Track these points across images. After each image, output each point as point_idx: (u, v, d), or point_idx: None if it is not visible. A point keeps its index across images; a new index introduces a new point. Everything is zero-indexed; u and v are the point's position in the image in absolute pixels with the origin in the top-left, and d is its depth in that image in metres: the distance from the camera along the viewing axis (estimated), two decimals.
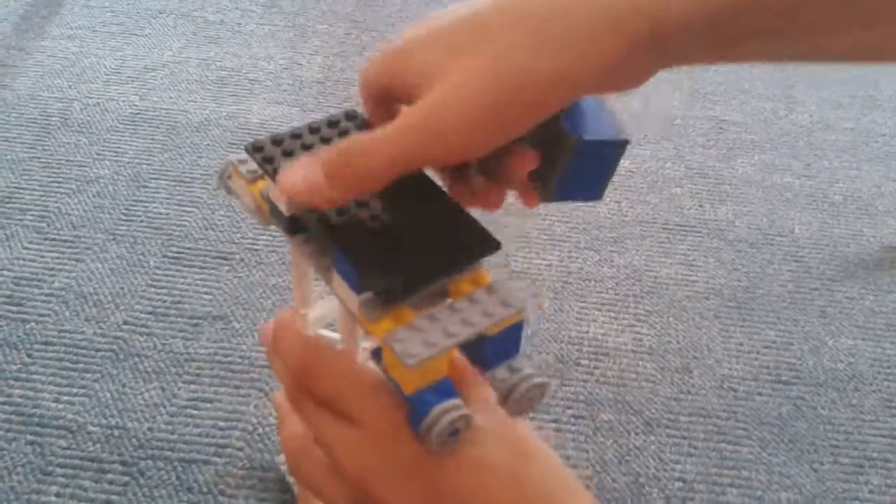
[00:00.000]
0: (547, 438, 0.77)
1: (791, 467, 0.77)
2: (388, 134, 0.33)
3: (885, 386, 0.86)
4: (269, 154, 0.44)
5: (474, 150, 0.34)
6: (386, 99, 0.38)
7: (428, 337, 0.37)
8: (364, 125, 0.47)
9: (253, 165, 0.48)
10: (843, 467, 0.78)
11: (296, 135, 0.46)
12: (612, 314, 0.91)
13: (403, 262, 0.39)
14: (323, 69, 1.30)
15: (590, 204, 1.06)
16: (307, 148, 0.45)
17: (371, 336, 0.41)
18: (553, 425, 0.79)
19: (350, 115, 0.47)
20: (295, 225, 0.44)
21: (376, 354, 0.41)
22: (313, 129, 0.46)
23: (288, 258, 0.94)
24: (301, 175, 0.36)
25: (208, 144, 1.11)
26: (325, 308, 0.55)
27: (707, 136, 1.23)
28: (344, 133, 0.47)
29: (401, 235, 0.40)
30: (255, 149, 0.45)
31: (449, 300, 0.40)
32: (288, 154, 0.45)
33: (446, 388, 0.39)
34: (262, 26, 1.40)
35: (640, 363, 0.86)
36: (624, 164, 1.14)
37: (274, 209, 0.46)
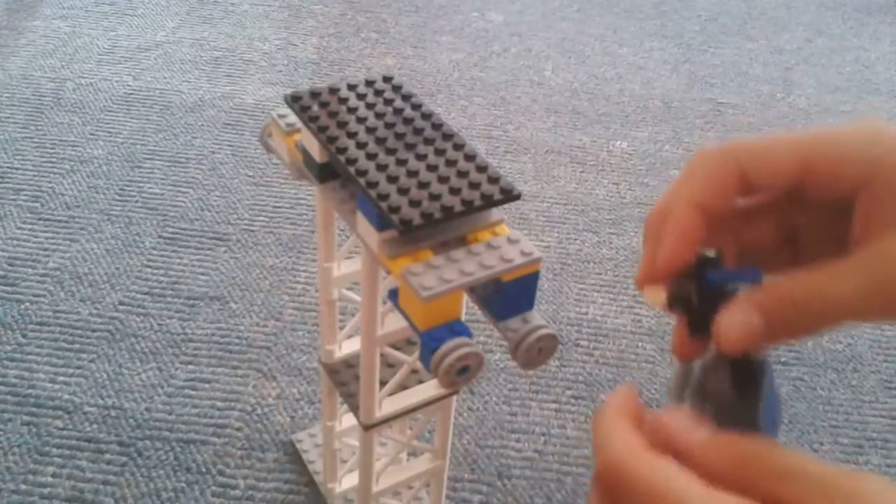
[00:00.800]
0: (547, 419, 0.77)
1: (791, 447, 0.77)
2: (841, 279, 0.27)
3: (883, 367, 0.86)
4: (307, 103, 0.46)
5: None
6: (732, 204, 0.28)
7: (444, 274, 0.38)
8: (398, 89, 0.47)
9: (291, 119, 0.50)
10: (842, 447, 0.78)
11: (334, 89, 0.47)
12: (612, 296, 0.91)
13: (424, 200, 0.40)
14: (318, 50, 1.28)
15: (588, 187, 1.06)
16: (343, 101, 0.46)
17: (390, 275, 0.42)
18: (553, 406, 0.78)
19: (387, 78, 0.49)
20: (324, 173, 0.46)
21: (393, 294, 0.41)
22: (351, 86, 0.48)
23: (284, 239, 0.93)
24: (738, 321, 0.28)
25: (202, 125, 1.10)
26: (348, 268, 0.55)
27: (705, 118, 1.22)
28: (380, 93, 0.47)
29: (424, 178, 0.41)
30: (294, 98, 0.46)
31: (468, 246, 0.40)
32: (324, 105, 0.46)
33: (460, 328, 0.39)
34: (256, 6, 1.39)
35: (640, 344, 0.85)
36: (622, 145, 1.13)
37: (307, 157, 0.47)
